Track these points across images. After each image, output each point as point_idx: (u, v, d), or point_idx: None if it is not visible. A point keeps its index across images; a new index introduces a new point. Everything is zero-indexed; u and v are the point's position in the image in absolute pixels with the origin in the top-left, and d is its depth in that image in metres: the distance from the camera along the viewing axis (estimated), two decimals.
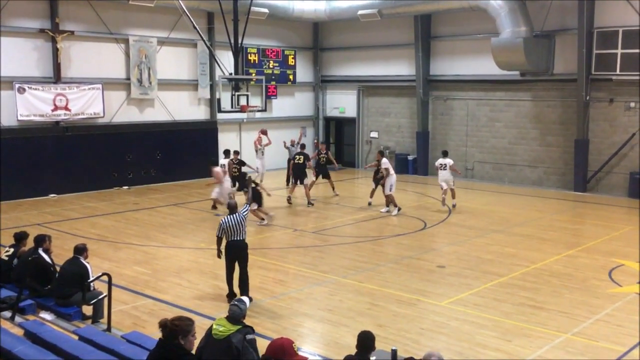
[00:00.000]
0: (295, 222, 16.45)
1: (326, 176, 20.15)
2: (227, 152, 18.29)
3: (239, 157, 18.52)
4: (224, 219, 9.97)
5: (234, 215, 9.95)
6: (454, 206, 17.92)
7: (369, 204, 18.22)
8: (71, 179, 20.09)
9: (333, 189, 20.22)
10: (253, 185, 14.31)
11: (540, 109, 21.96)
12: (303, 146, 20.02)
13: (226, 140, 24.54)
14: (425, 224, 16.01)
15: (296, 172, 18.67)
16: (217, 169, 17.11)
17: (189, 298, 10.30)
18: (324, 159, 20.32)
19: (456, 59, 23.76)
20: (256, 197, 15.36)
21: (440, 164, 18.57)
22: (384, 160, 17.31)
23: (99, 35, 20.60)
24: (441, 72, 24.30)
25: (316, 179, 20.06)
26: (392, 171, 17.18)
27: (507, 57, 20.39)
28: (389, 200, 17.11)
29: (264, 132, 21.30)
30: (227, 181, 17.51)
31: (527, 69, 20.94)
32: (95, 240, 14.02)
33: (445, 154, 18.76)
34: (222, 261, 10.22)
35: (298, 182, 18.53)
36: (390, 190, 16.99)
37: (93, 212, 17.13)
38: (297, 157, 18.72)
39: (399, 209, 17.01)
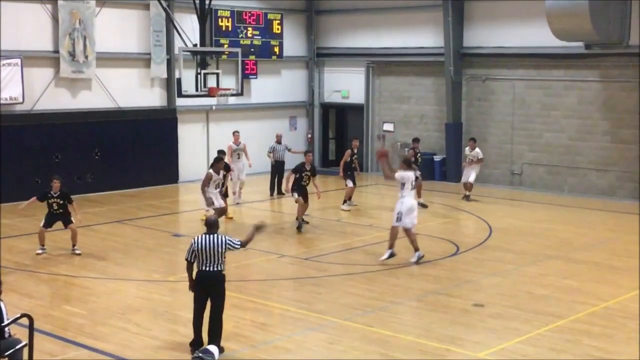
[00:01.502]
0: (282, 245, 16.42)
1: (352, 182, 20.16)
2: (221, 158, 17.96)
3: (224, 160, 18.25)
4: (197, 237, 9.97)
5: (212, 235, 9.94)
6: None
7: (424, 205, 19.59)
8: None
9: (346, 200, 20.13)
10: None
11: (612, 92, 22.03)
12: (308, 154, 18.69)
13: (189, 133, 24.56)
14: (457, 248, 16.01)
15: (305, 190, 17.93)
16: None
17: (138, 348, 10.25)
18: (357, 161, 20.40)
19: (498, 26, 23.84)
20: None
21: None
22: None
23: None
24: (478, 43, 24.37)
25: (354, 185, 20.11)
26: (404, 191, 14.76)
27: (568, 23, 20.43)
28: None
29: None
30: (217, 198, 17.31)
31: (594, 39, 20.98)
32: (12, 270, 13.94)
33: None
34: (185, 298, 10.19)
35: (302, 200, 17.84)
36: (397, 220, 14.59)
37: (8, 232, 17.08)
38: (305, 176, 17.70)
39: (419, 257, 14.78)
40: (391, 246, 14.64)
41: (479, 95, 24.66)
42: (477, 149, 21.58)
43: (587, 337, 10.74)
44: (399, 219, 14.52)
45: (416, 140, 21.78)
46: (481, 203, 21.09)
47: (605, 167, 22.26)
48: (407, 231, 14.65)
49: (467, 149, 21.99)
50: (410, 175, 14.89)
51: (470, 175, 21.51)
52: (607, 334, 10.86)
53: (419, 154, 20.98)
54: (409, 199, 14.73)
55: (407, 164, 15.20)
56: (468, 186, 21.41)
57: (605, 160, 22.24)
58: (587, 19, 20.06)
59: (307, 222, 18.18)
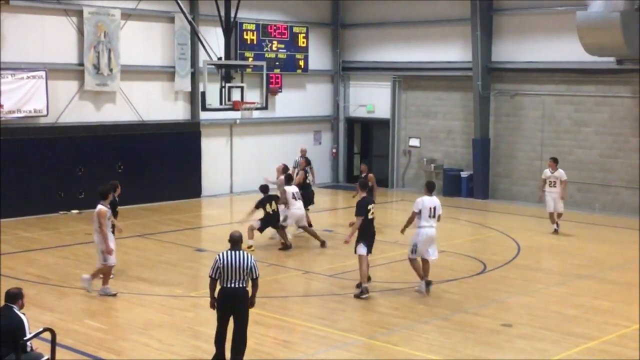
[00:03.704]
0: (306, 262, 16.43)
1: None
2: (265, 189, 17.21)
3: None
4: (221, 254, 10.03)
5: (237, 252, 10.01)
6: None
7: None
8: (2, 200, 20.25)
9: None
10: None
11: None
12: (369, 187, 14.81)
13: (212, 147, 24.67)
14: (484, 266, 15.94)
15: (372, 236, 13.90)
16: None
17: None
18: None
19: (528, 40, 23.78)
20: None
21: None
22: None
23: (42, 6, 20.86)
24: (507, 57, 24.32)
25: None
26: (422, 221, 13.44)
27: (599, 37, 20.34)
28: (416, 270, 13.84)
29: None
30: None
31: (626, 54, 20.86)
32: (34, 284, 14.05)
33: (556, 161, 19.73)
34: (207, 314, 10.21)
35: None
36: (412, 253, 13.64)
37: (31, 245, 17.23)
38: (372, 209, 13.69)
39: (428, 284, 13.72)
40: (421, 277, 13.70)
41: (507, 111, 24.56)
42: (560, 170, 19.39)
43: (618, 359, 10.62)
44: (413, 250, 13.55)
45: (364, 162, 19.97)
46: (509, 220, 20.97)
47: (637, 185, 22.06)
48: (424, 261, 13.72)
49: (547, 170, 19.55)
50: (429, 201, 13.49)
51: (557, 202, 19.19)
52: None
53: (364, 176, 18.20)
54: (426, 230, 13.42)
55: (429, 189, 13.72)
56: (557, 215, 19.34)
57: (637, 178, 22.05)
58: (619, 33, 19.97)
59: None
